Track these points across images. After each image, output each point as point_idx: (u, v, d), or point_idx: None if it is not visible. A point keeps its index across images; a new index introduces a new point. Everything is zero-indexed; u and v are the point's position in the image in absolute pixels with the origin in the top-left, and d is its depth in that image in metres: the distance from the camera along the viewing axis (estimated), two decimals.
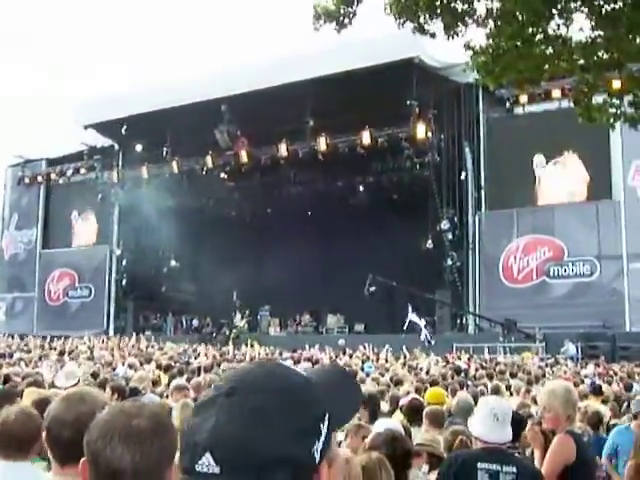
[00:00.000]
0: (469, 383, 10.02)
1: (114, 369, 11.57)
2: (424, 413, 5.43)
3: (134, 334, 25.73)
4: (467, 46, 7.84)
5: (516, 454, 4.21)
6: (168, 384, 8.47)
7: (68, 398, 2.31)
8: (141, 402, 1.71)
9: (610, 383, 11.40)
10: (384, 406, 7.11)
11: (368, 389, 7.42)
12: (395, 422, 5.38)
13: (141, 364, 12.44)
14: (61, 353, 15.18)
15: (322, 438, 0.96)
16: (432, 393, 7.28)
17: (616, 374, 13.39)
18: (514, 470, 3.57)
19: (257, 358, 16.00)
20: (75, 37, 66.22)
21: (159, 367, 11.83)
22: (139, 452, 1.45)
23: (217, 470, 0.90)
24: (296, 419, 0.93)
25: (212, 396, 0.97)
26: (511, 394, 9.24)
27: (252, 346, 21.67)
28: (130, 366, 11.84)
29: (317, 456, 0.95)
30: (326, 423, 0.97)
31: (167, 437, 1.52)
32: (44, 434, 2.22)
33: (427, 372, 12.57)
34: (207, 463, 0.90)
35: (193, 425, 0.95)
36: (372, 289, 24.43)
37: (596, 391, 9.28)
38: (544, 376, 12.21)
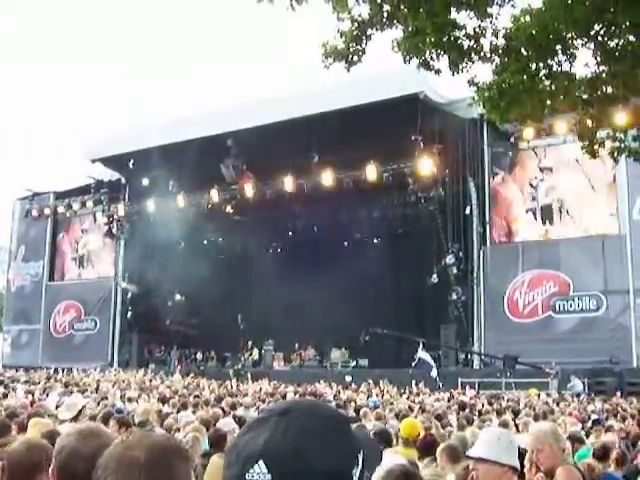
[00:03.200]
0: (475, 418, 9.92)
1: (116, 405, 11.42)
2: (441, 448, 5.35)
3: (143, 368, 25.67)
4: (471, 82, 7.91)
5: None
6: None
7: (81, 432, 2.29)
8: (146, 434, 1.68)
9: (625, 418, 11.21)
10: None
11: (379, 425, 7.27)
12: (401, 457, 5.33)
13: (139, 396, 12.32)
14: (66, 385, 15.08)
15: (360, 468, 1.03)
16: (407, 424, 6.81)
17: (625, 411, 13.13)
18: None
19: (262, 392, 15.84)
20: (85, 74, 67.36)
21: (160, 400, 11.72)
22: None
23: (269, 477, 0.97)
24: (341, 442, 1.03)
25: (265, 416, 1.05)
26: (518, 430, 9.09)
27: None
28: (130, 399, 11.73)
29: None
30: (362, 457, 1.05)
31: (161, 470, 1.48)
32: (53, 469, 2.18)
33: (432, 407, 12.37)
34: (259, 471, 0.97)
35: (244, 439, 1.03)
36: (367, 338, 26.82)
37: (605, 427, 9.12)
38: (552, 413, 11.94)
